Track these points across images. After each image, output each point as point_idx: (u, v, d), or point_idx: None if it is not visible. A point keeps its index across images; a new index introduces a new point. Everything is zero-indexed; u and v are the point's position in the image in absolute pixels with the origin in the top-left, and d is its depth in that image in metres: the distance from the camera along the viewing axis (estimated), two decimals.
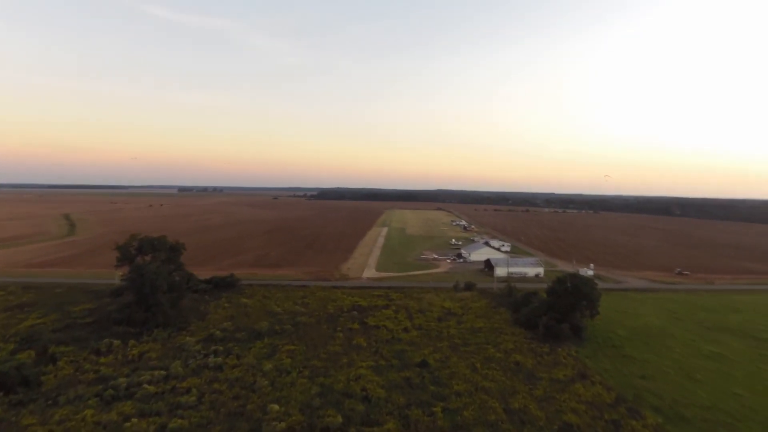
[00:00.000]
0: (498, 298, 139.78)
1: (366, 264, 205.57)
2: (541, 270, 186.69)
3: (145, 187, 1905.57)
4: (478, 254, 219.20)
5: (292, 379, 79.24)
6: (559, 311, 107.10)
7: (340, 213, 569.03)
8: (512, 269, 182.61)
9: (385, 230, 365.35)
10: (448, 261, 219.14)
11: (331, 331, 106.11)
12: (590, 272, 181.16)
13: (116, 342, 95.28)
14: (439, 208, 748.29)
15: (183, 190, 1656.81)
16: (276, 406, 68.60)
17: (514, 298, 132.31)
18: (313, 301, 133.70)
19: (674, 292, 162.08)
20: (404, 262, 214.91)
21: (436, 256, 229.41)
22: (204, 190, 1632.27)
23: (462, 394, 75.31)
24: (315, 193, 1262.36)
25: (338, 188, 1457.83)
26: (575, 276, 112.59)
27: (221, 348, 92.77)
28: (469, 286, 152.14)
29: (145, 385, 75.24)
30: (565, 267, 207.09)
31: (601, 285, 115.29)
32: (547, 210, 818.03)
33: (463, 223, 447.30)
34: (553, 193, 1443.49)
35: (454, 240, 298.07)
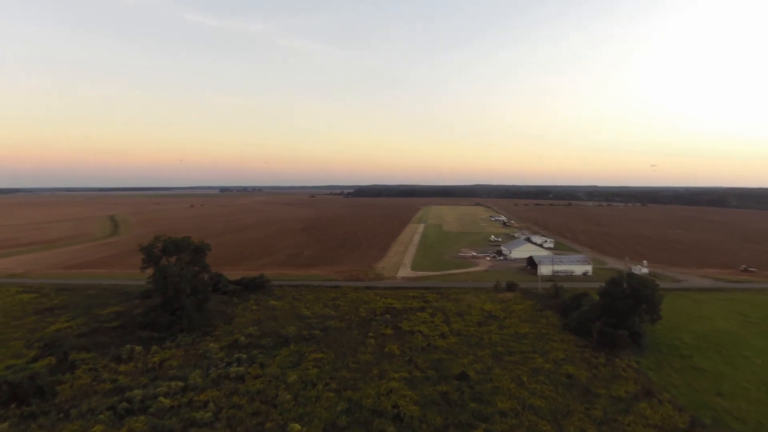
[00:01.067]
0: (543, 300, 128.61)
1: (401, 263, 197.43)
2: (589, 268, 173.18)
3: (189, 188, 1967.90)
4: (520, 251, 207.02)
5: (318, 393, 72.15)
6: (614, 315, 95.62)
7: (376, 210, 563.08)
8: (558, 267, 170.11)
9: (421, 227, 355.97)
10: (488, 259, 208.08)
11: (362, 337, 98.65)
12: (644, 270, 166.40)
13: (138, 348, 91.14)
14: (477, 204, 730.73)
15: (224, 190, 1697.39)
16: (297, 426, 61.57)
17: (562, 300, 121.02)
18: (344, 303, 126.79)
19: (742, 292, 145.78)
20: (441, 260, 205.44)
21: (474, 254, 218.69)
22: (244, 190, 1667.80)
23: (507, 414, 66.09)
24: (352, 190, 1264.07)
25: (375, 185, 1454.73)
26: (632, 276, 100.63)
27: (245, 356, 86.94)
28: (511, 287, 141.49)
29: (161, 398, 69.94)
30: (616, 264, 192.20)
31: (658, 284, 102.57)
32: (590, 203, 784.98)
33: (503, 218, 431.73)
34: (596, 186, 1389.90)
35: (493, 236, 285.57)
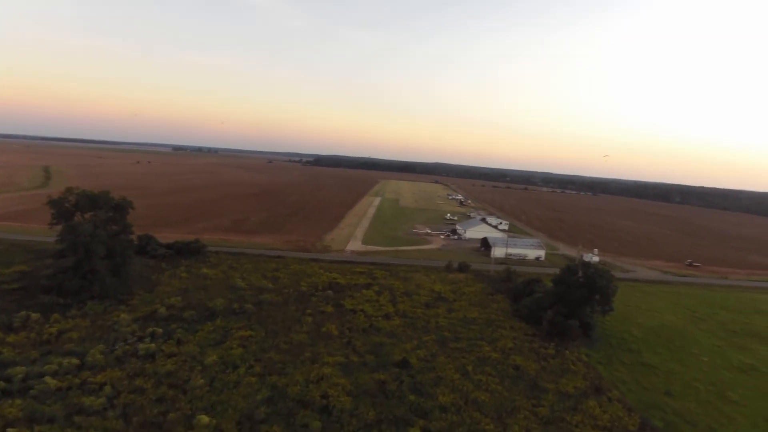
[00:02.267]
0: (495, 283, 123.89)
1: (352, 235, 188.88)
2: (542, 253, 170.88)
3: (140, 144, 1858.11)
4: (475, 231, 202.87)
5: (238, 378, 63.18)
6: (567, 305, 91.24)
7: (333, 180, 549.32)
8: (511, 250, 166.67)
9: (377, 200, 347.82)
10: (442, 237, 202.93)
11: (299, 314, 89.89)
12: (596, 258, 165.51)
13: (35, 316, 78.49)
14: (436, 181, 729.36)
15: (177, 149, 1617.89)
16: (206, 418, 52.55)
17: (514, 285, 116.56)
18: (285, 275, 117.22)
19: (688, 286, 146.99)
20: (394, 236, 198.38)
21: (429, 231, 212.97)
22: (198, 150, 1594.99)
23: (448, 409, 59.62)
24: (311, 159, 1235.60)
25: (335, 156, 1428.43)
26: (588, 265, 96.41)
27: (160, 330, 76.32)
28: (463, 267, 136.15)
29: (48, 378, 58.86)
30: (568, 251, 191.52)
31: (614, 276, 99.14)
32: (545, 189, 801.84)
33: (460, 197, 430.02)
34: (551, 173, 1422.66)
35: (449, 215, 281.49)
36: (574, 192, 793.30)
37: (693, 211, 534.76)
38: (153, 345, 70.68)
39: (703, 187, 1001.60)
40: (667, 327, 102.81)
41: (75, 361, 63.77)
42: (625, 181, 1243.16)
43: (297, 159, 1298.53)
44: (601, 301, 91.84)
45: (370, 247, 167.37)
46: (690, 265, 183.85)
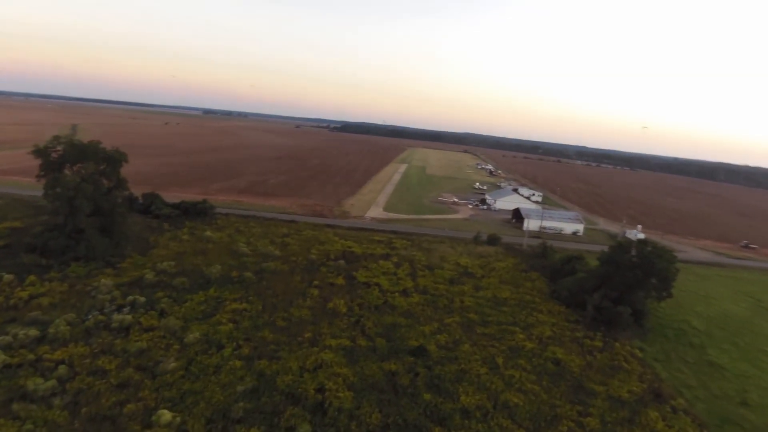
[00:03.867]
0: (529, 259, 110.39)
1: (374, 202, 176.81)
2: (581, 227, 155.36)
3: (173, 108, 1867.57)
4: (505, 202, 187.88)
5: (221, 361, 52.96)
6: (615, 288, 77.59)
7: (359, 146, 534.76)
8: (546, 223, 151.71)
9: (403, 167, 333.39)
10: (470, 207, 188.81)
11: (305, 286, 79.16)
12: (640, 235, 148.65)
13: (8, 277, 69.77)
14: (465, 151, 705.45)
15: (207, 112, 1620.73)
16: (168, 414, 42.40)
17: (551, 262, 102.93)
18: (295, 241, 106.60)
19: (747, 270, 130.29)
20: (418, 203, 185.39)
21: (456, 200, 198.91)
22: (228, 114, 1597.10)
23: (472, 414, 48.08)
24: (339, 125, 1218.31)
25: (363, 123, 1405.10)
26: (645, 243, 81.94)
27: (143, 299, 66.71)
28: (492, 240, 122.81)
29: None
30: (608, 227, 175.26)
31: (676, 256, 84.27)
32: (580, 163, 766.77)
33: (490, 167, 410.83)
34: (585, 147, 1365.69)
35: (478, 184, 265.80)
36: (610, 167, 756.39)
37: (740, 191, 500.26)
38: (130, 316, 61.08)
39: (748, 166, 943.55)
40: (730, 317, 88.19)
41: (35, 332, 54.58)
42: (666, 157, 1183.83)
43: (325, 125, 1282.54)
44: (659, 285, 77.77)
45: (392, 215, 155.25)
46: (746, 246, 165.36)
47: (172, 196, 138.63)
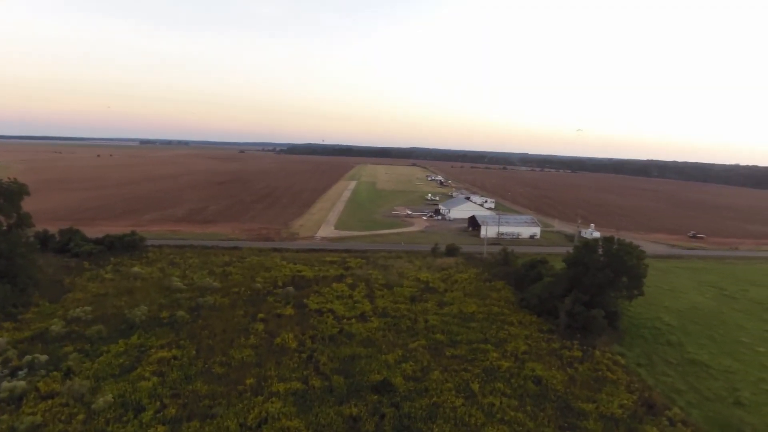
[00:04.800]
0: (491, 267, 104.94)
1: (324, 220, 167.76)
2: (537, 230, 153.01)
3: (108, 140, 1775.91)
4: (460, 211, 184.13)
5: (138, 429, 42.46)
6: (586, 290, 72.89)
7: (305, 166, 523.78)
8: (504, 229, 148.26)
9: (353, 184, 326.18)
10: (424, 218, 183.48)
11: (248, 321, 69.21)
12: (596, 234, 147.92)
13: None
14: (413, 164, 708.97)
15: (145, 143, 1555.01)
16: None
17: (515, 269, 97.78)
18: (238, 270, 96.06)
19: (702, 260, 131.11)
20: (371, 219, 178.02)
21: (409, 212, 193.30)
22: (168, 144, 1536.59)
23: None
24: (285, 148, 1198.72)
25: (310, 144, 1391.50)
26: (611, 241, 77.92)
27: (44, 357, 54.67)
28: (451, 251, 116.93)
29: None
30: (563, 227, 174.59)
31: (644, 251, 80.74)
32: (524, 168, 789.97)
33: (440, 178, 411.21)
34: (527, 153, 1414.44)
35: (430, 195, 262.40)
36: (552, 170, 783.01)
37: (675, 185, 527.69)
38: (24, 382, 49.23)
39: (676, 162, 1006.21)
40: (699, 310, 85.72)
41: None
42: (601, 158, 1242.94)
43: (270, 149, 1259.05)
44: (630, 283, 73.70)
45: (344, 233, 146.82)
46: (694, 236, 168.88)
47: (97, 231, 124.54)
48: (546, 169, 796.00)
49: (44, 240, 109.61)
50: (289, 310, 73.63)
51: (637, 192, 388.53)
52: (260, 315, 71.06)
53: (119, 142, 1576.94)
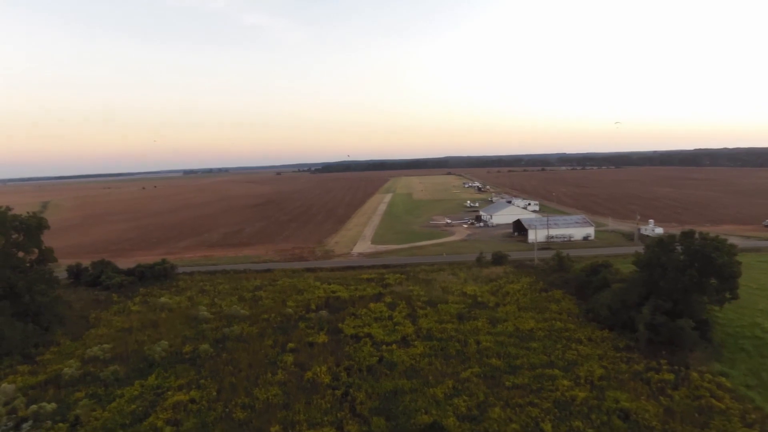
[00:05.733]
0: (545, 275, 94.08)
1: (360, 236, 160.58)
2: (591, 231, 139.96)
3: (154, 173, 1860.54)
4: (502, 216, 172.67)
5: None
6: (667, 296, 61.52)
7: (340, 183, 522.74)
8: (553, 232, 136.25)
9: (388, 196, 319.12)
10: (465, 226, 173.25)
11: (277, 352, 61.90)
12: (658, 230, 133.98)
13: None
14: (449, 173, 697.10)
15: (188, 173, 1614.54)
16: None
17: (574, 275, 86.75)
18: (268, 294, 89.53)
19: None
20: (409, 230, 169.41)
21: (449, 221, 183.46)
22: (209, 172, 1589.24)
23: None
24: (320, 167, 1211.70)
25: (343, 161, 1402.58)
26: (691, 236, 66.38)
27: (52, 406, 48.94)
28: (498, 259, 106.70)
29: None
30: (618, 226, 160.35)
31: (735, 245, 68.48)
32: (564, 168, 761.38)
33: (477, 184, 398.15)
34: (565, 153, 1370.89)
35: (469, 202, 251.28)
36: (595, 168, 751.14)
37: (730, 172, 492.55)
38: None
39: (728, 149, 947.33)
40: None
41: None
42: (645, 151, 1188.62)
43: (306, 169, 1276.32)
44: (721, 285, 61.78)
45: (381, 247, 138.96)
46: None
47: (132, 261, 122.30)
48: (588, 167, 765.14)
49: (77, 274, 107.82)
50: (322, 337, 65.93)
51: (691, 182, 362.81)
52: (290, 344, 63.61)
53: (165, 174, 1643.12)
